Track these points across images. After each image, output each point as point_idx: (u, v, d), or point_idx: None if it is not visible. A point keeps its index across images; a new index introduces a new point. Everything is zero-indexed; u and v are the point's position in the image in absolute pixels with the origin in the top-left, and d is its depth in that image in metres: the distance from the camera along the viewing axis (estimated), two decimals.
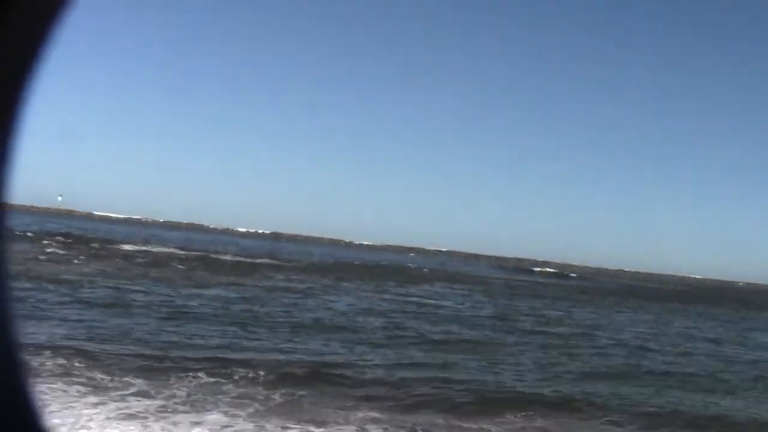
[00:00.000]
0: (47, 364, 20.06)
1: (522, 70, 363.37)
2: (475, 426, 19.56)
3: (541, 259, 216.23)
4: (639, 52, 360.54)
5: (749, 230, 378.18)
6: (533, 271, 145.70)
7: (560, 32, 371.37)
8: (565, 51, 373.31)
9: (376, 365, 26.18)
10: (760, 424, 23.41)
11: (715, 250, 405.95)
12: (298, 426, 17.56)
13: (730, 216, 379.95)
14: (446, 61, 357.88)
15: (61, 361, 20.74)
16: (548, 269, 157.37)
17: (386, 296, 54.02)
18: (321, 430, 17.49)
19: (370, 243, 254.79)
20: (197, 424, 16.82)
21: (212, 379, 21.08)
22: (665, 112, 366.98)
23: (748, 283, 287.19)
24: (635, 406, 23.79)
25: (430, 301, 53.77)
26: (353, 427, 17.95)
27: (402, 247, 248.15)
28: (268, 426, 17.28)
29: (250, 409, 18.42)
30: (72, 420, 15.70)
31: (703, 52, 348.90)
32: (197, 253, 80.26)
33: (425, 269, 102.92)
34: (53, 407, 15.98)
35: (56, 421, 15.56)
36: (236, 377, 21.45)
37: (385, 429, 18.18)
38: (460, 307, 51.76)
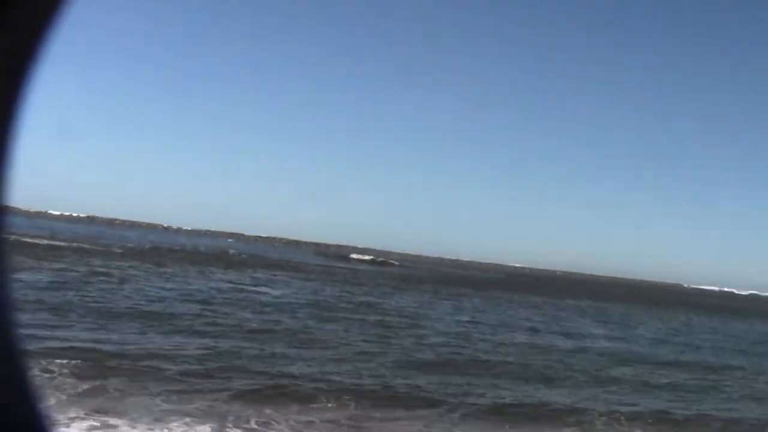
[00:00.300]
0: None
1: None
2: (286, 415, 19.19)
3: (361, 246, 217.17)
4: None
5: (568, 222, 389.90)
6: (354, 258, 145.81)
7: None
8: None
9: (192, 354, 25.39)
10: (579, 410, 23.68)
11: (534, 240, 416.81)
12: (97, 416, 16.85)
13: (547, 208, 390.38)
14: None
15: None
16: (369, 256, 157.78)
17: (206, 282, 52.97)
18: (119, 420, 16.75)
19: (189, 228, 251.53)
20: None
21: None
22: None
23: (566, 272, 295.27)
24: (457, 396, 23.75)
25: (250, 288, 52.96)
26: (151, 418, 17.30)
27: (221, 232, 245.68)
28: (61, 417, 16.35)
29: (52, 400, 17.41)
30: None
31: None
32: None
33: (245, 255, 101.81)
34: None
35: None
36: (43, 363, 20.36)
37: (191, 419, 17.58)
38: (280, 294, 51.07)
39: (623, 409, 24.71)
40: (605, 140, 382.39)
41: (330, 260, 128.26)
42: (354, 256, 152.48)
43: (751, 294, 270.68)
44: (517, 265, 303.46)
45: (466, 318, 48.90)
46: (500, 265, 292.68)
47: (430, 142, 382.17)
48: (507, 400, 24.12)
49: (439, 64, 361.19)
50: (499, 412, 22.55)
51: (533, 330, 46.24)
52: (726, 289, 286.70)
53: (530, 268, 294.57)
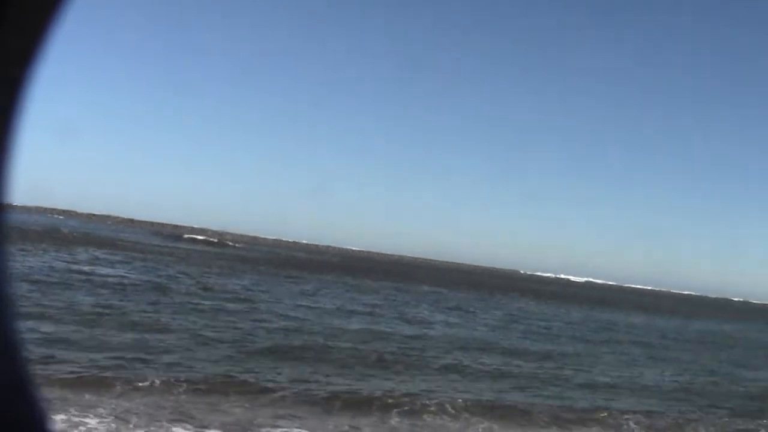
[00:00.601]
0: None
1: None
2: (109, 401, 18.75)
3: (197, 227, 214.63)
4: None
5: (407, 207, 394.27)
6: (189, 238, 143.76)
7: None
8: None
9: None
10: (413, 396, 23.37)
11: (373, 224, 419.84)
12: None
13: (385, 192, 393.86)
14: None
15: None
16: (206, 237, 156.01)
17: (38, 261, 50.90)
18: None
19: (18, 204, 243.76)
20: None
21: None
22: None
23: (404, 257, 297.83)
24: (292, 382, 23.55)
25: (84, 267, 51.16)
26: None
27: (51, 209, 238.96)
28: None
29: None
30: None
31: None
32: None
33: (77, 233, 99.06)
34: None
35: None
36: None
37: None
38: (115, 274, 49.58)
39: (458, 395, 24.66)
40: (436, 128, 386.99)
41: (166, 240, 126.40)
42: (190, 236, 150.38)
43: (587, 281, 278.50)
44: (355, 248, 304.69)
45: (304, 302, 48.27)
46: (339, 248, 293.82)
47: (260, 120, 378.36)
48: (341, 387, 23.89)
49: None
50: (332, 398, 22.24)
51: (372, 315, 45.95)
52: (562, 276, 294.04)
53: (369, 252, 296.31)
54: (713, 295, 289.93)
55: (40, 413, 2.11)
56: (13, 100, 1.98)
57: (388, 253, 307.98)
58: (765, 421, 26.96)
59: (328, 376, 25.27)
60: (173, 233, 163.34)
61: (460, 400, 23.43)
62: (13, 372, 2.06)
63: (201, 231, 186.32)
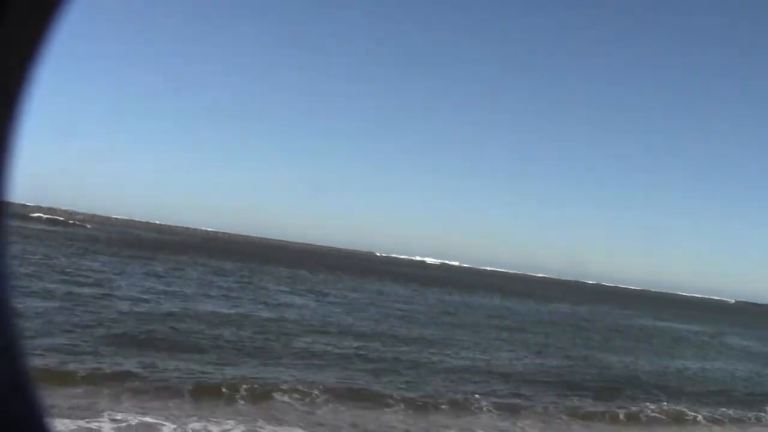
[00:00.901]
0: None
1: None
2: None
3: (45, 206, 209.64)
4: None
5: (259, 188, 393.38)
6: (36, 217, 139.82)
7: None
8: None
9: None
10: (266, 382, 23.09)
11: (228, 205, 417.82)
12: None
13: (238, 172, 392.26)
14: None
15: None
16: (54, 216, 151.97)
17: None
18: None
19: None
20: None
21: None
22: None
23: (260, 238, 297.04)
24: (146, 369, 22.77)
25: None
26: None
27: None
28: None
29: None
30: None
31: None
32: None
33: None
34: None
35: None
36: None
37: None
38: None
39: (311, 378, 24.39)
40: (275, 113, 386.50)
41: (11, 218, 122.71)
42: (37, 215, 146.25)
43: (442, 263, 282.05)
44: (210, 229, 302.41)
45: (158, 284, 47.28)
46: (192, 228, 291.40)
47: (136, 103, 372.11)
48: (191, 372, 23.31)
49: None
50: (180, 383, 21.69)
51: (227, 297, 45.27)
52: (417, 258, 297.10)
53: (224, 233, 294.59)
54: (567, 278, 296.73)
55: (40, 413, 2.08)
56: (13, 100, 1.94)
57: (244, 234, 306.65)
58: (622, 402, 27.21)
59: (178, 360, 24.58)
60: (19, 212, 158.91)
61: (320, 386, 23.05)
62: (13, 372, 2.04)
63: (49, 210, 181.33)
